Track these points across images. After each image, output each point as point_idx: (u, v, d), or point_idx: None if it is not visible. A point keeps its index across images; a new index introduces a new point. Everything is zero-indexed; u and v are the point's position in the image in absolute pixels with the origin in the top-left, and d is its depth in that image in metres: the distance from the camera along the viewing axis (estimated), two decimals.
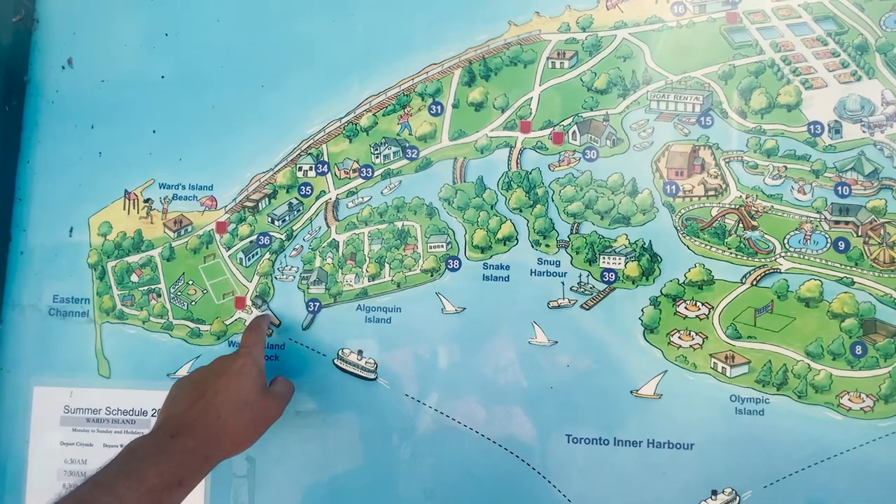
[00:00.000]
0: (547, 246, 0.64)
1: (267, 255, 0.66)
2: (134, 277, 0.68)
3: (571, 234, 0.64)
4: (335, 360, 0.65)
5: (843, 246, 0.61)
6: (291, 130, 0.67)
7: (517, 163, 0.65)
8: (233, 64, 0.68)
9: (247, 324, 0.64)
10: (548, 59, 0.65)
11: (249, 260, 0.66)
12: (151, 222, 0.68)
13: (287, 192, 0.67)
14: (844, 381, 0.60)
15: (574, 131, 0.64)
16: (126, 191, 0.68)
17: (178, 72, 0.69)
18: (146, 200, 0.68)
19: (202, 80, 0.68)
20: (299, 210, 0.67)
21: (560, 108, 0.65)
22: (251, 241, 0.67)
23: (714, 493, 0.60)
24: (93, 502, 0.44)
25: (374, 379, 0.64)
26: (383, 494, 0.64)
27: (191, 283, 0.67)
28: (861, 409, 0.60)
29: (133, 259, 0.68)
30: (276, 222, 0.67)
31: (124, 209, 0.68)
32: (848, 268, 0.61)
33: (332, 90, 0.67)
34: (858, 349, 0.60)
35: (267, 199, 0.67)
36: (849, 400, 0.60)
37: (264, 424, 0.56)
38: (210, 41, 0.68)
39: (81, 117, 0.69)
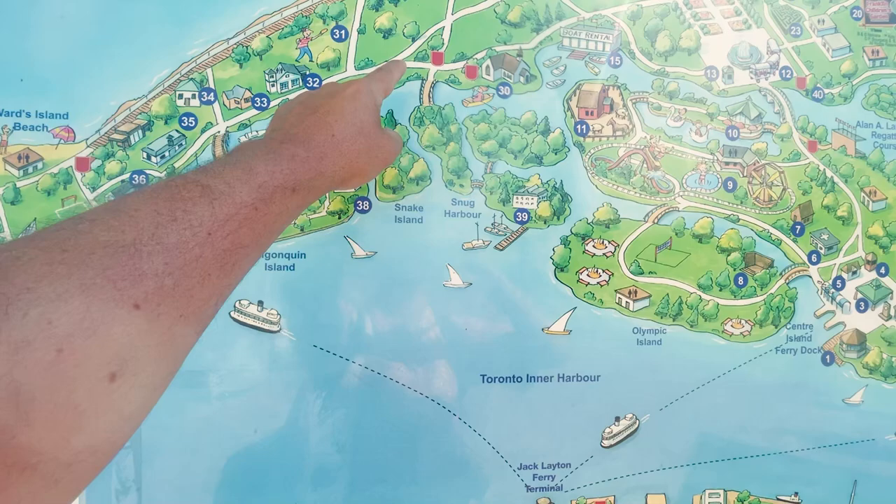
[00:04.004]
0: (461, 186, 0.61)
1: None
2: None
3: (486, 173, 0.62)
4: (232, 313, 0.58)
5: (731, 185, 0.65)
6: (168, 51, 0.57)
7: (429, 97, 0.61)
8: None
9: None
10: None
11: None
12: None
13: (165, 123, 0.58)
14: (728, 310, 0.66)
15: (487, 66, 0.61)
16: None
17: None
18: None
19: None
20: (182, 144, 0.58)
21: (473, 41, 0.61)
22: (123, 181, 0.57)
23: (617, 419, 0.64)
24: (196, 183, 0.35)
25: (278, 331, 0.59)
26: (291, 453, 0.60)
27: None
28: (741, 333, 0.66)
29: None
30: (154, 158, 0.57)
31: None
32: (734, 206, 0.66)
33: (218, 5, 0.58)
34: (741, 280, 0.66)
35: (140, 130, 0.57)
36: (731, 326, 0.66)
37: (381, 160, 0.50)
38: None
39: None
